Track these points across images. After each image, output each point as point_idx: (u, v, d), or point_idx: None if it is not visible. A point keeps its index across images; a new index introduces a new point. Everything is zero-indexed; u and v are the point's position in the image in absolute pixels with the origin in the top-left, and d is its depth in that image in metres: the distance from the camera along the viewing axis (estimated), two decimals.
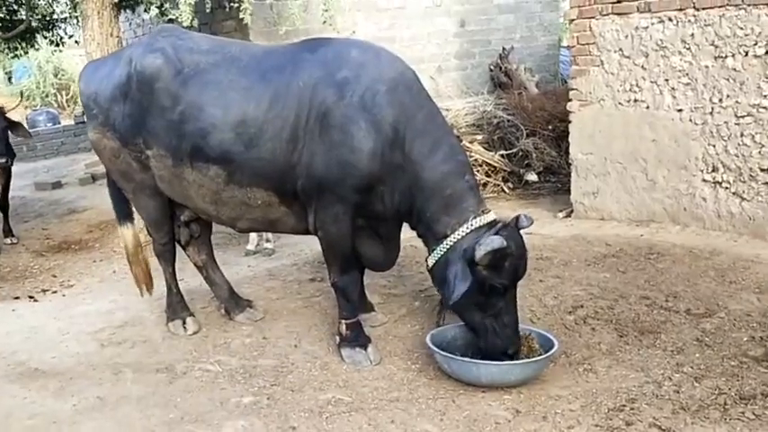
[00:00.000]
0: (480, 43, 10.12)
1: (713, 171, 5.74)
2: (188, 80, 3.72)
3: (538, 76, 10.20)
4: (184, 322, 4.36)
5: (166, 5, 6.26)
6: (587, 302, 4.45)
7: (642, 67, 6.13)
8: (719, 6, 5.49)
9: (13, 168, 14.06)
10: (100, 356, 4.10)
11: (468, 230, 3.49)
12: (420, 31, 9.54)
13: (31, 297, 5.93)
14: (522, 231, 3.64)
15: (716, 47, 5.57)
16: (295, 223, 3.90)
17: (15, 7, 8.10)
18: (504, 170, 8.76)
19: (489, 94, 9.83)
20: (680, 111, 5.90)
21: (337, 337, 3.94)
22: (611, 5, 6.29)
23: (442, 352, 3.56)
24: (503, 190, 8.57)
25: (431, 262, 3.64)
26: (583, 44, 6.59)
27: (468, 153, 8.72)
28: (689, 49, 5.75)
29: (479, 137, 9.03)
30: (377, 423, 3.20)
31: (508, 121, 9.26)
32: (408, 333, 4.19)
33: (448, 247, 3.52)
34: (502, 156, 8.79)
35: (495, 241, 3.31)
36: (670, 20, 5.84)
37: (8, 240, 8.00)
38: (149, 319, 4.62)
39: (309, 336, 4.21)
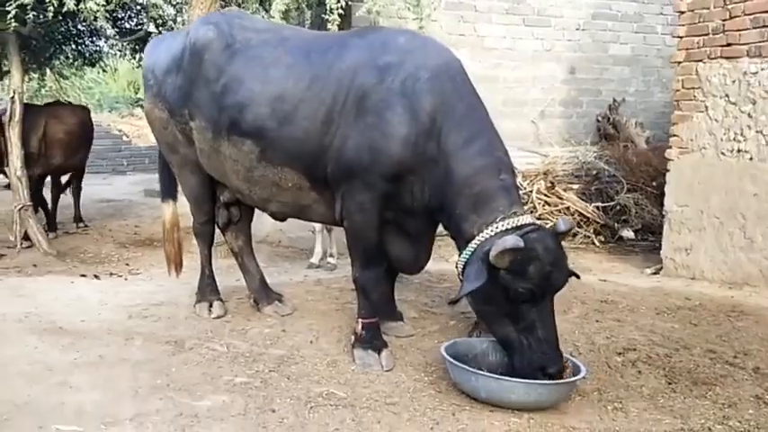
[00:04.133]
0: (589, 92, 9.71)
1: None
2: (235, 54, 3.73)
3: (649, 132, 9.64)
4: (211, 305, 4.31)
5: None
6: (642, 347, 3.97)
7: (748, 114, 5.61)
8: None
9: (132, 177, 15.11)
10: (122, 325, 4.10)
11: (494, 233, 3.19)
12: (526, 73, 9.27)
13: (96, 276, 6.12)
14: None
15: None
16: (325, 211, 3.76)
17: (137, 16, 8.70)
18: (597, 222, 8.27)
19: (593, 145, 9.40)
20: None
21: (352, 337, 3.72)
22: (719, 49, 5.84)
23: (447, 356, 3.25)
24: (592, 242, 8.07)
25: (460, 266, 3.36)
26: (687, 88, 6.15)
27: (560, 201, 8.39)
28: None
29: (575, 186, 8.62)
30: (361, 420, 2.93)
31: (608, 172, 8.79)
32: (433, 347, 3.88)
33: (472, 250, 3.24)
34: (597, 207, 8.31)
35: (507, 241, 3.00)
36: None
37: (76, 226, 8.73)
38: (184, 303, 4.58)
39: (329, 335, 4.01)
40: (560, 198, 8.35)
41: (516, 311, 3.16)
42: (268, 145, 3.63)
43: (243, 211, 4.38)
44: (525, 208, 3.30)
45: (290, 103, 3.54)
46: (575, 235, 8.19)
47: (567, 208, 8.31)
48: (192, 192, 4.25)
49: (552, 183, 8.54)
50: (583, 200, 8.44)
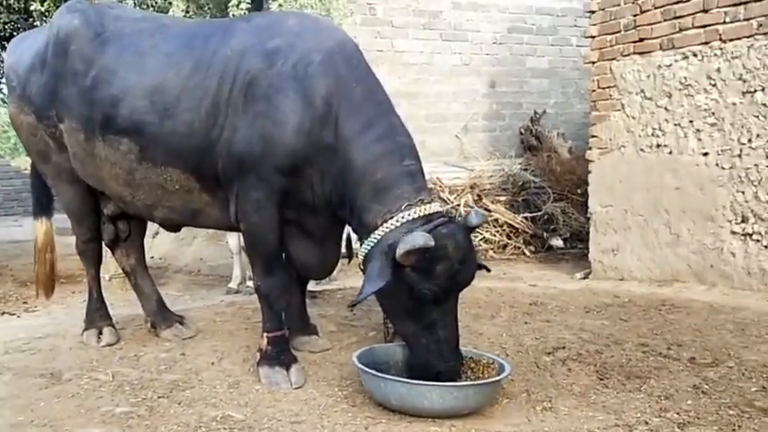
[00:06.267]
0: (511, 105, 9.65)
1: (742, 221, 4.99)
2: (106, 43, 3.37)
3: (571, 143, 9.62)
4: (100, 332, 3.86)
5: None
6: (572, 345, 3.73)
7: (665, 108, 5.54)
8: (747, 36, 4.90)
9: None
10: None
11: (400, 223, 2.89)
12: (446, 88, 9.14)
13: None
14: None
15: (744, 81, 4.94)
16: (219, 215, 3.38)
17: None
18: (526, 232, 8.12)
19: (517, 157, 9.32)
20: (705, 154, 5.23)
21: (258, 354, 3.33)
22: (632, 45, 5.79)
23: (357, 363, 2.91)
24: (523, 253, 7.90)
25: (361, 257, 3.03)
26: (603, 88, 6.08)
27: (488, 213, 8.21)
28: (714, 85, 5.15)
29: (503, 198, 8.49)
30: None
31: (534, 183, 8.70)
32: (350, 361, 3.52)
33: (375, 241, 2.92)
34: (525, 218, 8.18)
35: (417, 239, 2.70)
36: (694, 55, 5.27)
37: None
38: (73, 333, 4.10)
39: (235, 356, 3.61)
40: (488, 210, 8.17)
41: (418, 309, 2.88)
42: (148, 142, 3.26)
43: (132, 225, 3.96)
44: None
45: (171, 94, 3.19)
46: (505, 246, 8.03)
47: (496, 220, 8.15)
48: (70, 205, 3.81)
49: (479, 195, 8.40)
50: (511, 211, 8.30)
